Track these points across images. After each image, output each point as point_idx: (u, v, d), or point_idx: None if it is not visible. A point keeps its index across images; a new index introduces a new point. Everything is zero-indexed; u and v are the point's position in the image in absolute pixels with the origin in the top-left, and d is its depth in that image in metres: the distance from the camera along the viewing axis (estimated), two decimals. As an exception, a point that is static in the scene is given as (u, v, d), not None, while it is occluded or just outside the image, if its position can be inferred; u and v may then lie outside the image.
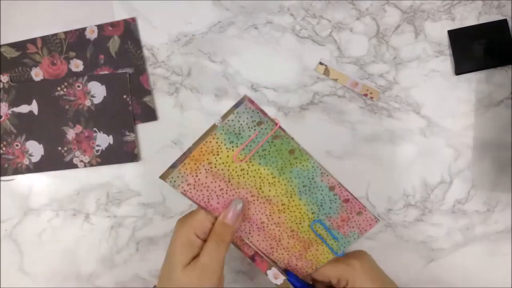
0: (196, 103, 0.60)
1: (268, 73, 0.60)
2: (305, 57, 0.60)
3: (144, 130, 0.60)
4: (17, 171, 0.60)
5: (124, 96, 0.60)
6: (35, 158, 0.60)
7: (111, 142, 0.60)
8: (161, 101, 0.60)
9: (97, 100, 0.60)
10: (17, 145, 0.60)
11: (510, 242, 0.59)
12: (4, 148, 0.60)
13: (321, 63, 0.59)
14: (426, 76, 0.60)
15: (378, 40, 0.60)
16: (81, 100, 0.60)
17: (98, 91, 0.60)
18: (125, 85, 0.60)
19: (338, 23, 0.60)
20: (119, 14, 0.60)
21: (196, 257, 0.41)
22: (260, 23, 0.60)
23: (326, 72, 0.59)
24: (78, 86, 0.60)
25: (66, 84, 0.60)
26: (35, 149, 0.60)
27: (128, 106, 0.60)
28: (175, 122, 0.60)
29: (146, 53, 0.61)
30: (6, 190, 0.60)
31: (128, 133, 0.59)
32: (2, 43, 0.60)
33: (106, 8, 0.60)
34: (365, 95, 0.59)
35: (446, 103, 0.60)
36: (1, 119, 0.60)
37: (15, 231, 0.60)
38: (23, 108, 0.60)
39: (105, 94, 0.60)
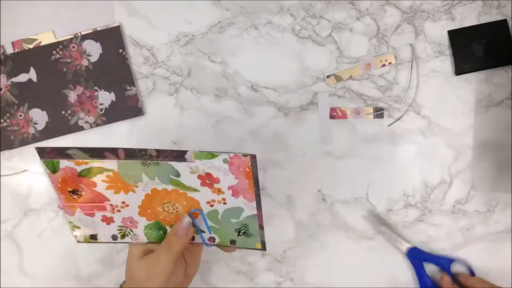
0: (196, 103, 0.60)
1: (268, 73, 0.60)
2: (305, 57, 0.60)
3: (144, 130, 0.60)
4: (24, 141, 0.60)
5: (120, 51, 0.60)
6: (40, 126, 0.60)
7: (114, 99, 0.60)
8: (161, 101, 0.60)
9: (94, 58, 0.60)
10: (20, 115, 0.59)
11: (510, 242, 0.59)
12: (8, 120, 0.59)
13: (327, 76, 0.59)
14: (426, 76, 0.60)
15: (378, 40, 0.60)
16: (78, 60, 0.60)
17: (93, 49, 0.60)
18: (120, 39, 0.60)
19: (338, 23, 0.60)
20: (119, 14, 0.60)
21: (146, 252, 0.46)
22: (260, 23, 0.60)
23: (338, 78, 0.59)
24: (73, 47, 0.59)
25: (61, 46, 0.60)
26: (39, 117, 0.60)
27: (125, 60, 0.60)
28: (175, 122, 0.60)
29: (146, 53, 0.61)
30: (6, 190, 0.60)
31: (129, 87, 0.59)
32: (2, 43, 0.60)
33: (106, 8, 0.60)
34: (383, 65, 0.59)
35: (446, 103, 0.60)
36: (1, 91, 0.59)
37: (15, 231, 0.60)
38: (22, 77, 0.59)
39: (101, 51, 0.60)
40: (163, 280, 0.44)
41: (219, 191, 0.42)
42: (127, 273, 0.46)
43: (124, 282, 0.48)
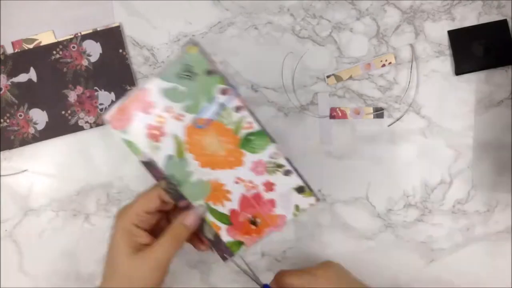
0: (196, 103, 0.60)
1: (268, 73, 0.60)
2: (305, 57, 0.60)
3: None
4: (24, 141, 0.60)
5: (120, 51, 0.60)
6: (40, 126, 0.60)
7: (114, 99, 0.60)
8: (161, 101, 0.60)
9: (94, 58, 0.60)
10: (20, 115, 0.59)
11: (510, 242, 0.59)
12: (8, 120, 0.59)
13: (328, 76, 0.59)
14: (426, 76, 0.60)
15: (378, 40, 0.60)
16: (78, 60, 0.60)
17: (93, 50, 0.60)
18: (120, 39, 0.60)
19: (338, 23, 0.60)
20: (119, 14, 0.60)
21: (138, 247, 0.42)
22: (260, 23, 0.60)
23: (338, 78, 0.59)
24: (73, 47, 0.60)
25: (61, 46, 0.60)
26: (39, 117, 0.60)
27: (125, 60, 0.60)
28: (175, 122, 0.60)
29: (146, 53, 0.61)
30: (6, 190, 0.60)
31: (129, 87, 0.59)
32: (2, 43, 0.60)
33: (106, 8, 0.60)
34: (383, 65, 0.59)
35: (446, 103, 0.60)
36: (1, 91, 0.59)
37: (15, 231, 0.60)
38: (22, 77, 0.60)
39: (101, 52, 0.60)
40: (164, 274, 0.41)
41: None
42: (114, 274, 0.42)
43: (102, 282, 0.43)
